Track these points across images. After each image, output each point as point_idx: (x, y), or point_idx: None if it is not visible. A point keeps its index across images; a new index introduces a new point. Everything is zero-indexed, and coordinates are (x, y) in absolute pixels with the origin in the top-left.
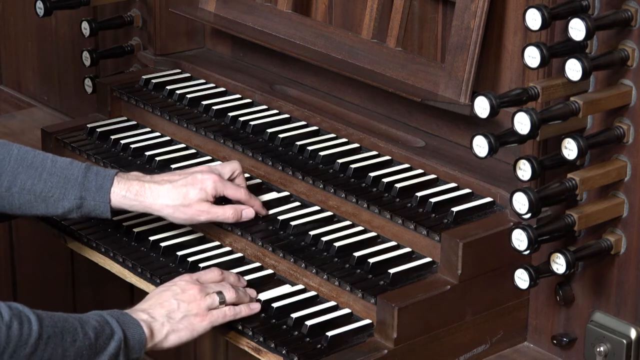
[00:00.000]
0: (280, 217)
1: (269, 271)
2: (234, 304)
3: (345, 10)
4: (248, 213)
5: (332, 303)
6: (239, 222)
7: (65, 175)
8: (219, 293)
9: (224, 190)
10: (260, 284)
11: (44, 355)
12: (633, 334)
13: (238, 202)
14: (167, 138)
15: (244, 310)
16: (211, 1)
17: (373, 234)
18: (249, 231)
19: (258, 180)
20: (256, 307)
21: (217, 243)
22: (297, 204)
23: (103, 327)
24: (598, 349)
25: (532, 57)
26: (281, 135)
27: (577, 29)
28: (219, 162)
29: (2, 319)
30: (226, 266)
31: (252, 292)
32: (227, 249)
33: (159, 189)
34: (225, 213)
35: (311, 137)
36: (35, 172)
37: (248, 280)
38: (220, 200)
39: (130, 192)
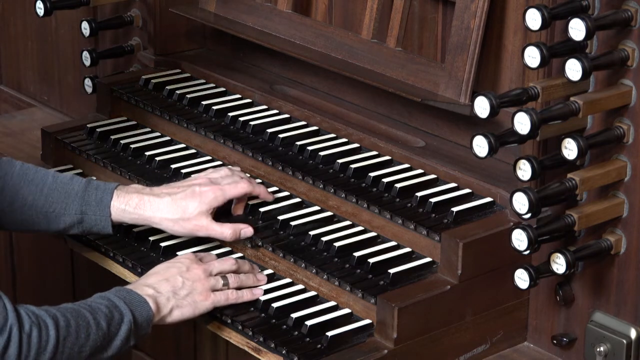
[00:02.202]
0: (280, 217)
1: (269, 271)
2: (237, 288)
3: (345, 10)
4: (247, 232)
5: (332, 303)
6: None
7: (66, 190)
8: (223, 277)
9: (225, 196)
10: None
11: (63, 357)
12: (633, 334)
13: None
14: (167, 138)
15: (246, 295)
16: (211, 1)
17: (373, 234)
18: None
19: (258, 180)
20: (259, 293)
21: (217, 243)
22: (297, 201)
23: (112, 312)
24: (598, 349)
25: (532, 57)
26: (281, 135)
27: (577, 29)
28: (219, 162)
29: (23, 328)
30: None
31: (261, 277)
32: (227, 249)
33: (159, 202)
34: (224, 233)
35: (311, 137)
36: (36, 188)
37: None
38: (220, 211)
39: (130, 206)
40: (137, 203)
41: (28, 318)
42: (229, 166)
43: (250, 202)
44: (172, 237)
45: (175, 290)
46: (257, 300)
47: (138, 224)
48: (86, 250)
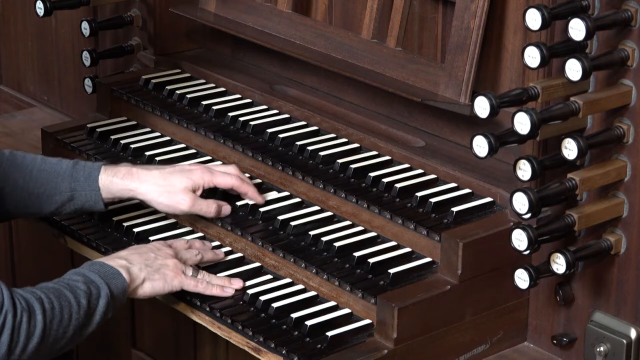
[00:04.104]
0: (280, 217)
1: (269, 276)
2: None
3: (345, 10)
4: (226, 210)
5: (332, 303)
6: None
7: (54, 170)
8: (194, 269)
9: (213, 179)
10: (261, 284)
11: (49, 340)
12: (633, 334)
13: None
14: (167, 138)
15: (215, 290)
16: (211, 1)
17: (373, 234)
18: (249, 231)
19: (258, 180)
20: (229, 292)
21: (217, 243)
22: (297, 201)
23: (90, 288)
24: (598, 349)
25: (532, 57)
26: (281, 135)
27: (577, 29)
28: (219, 162)
29: (15, 317)
30: (226, 266)
31: (236, 282)
32: (227, 249)
33: (147, 174)
34: (210, 207)
35: (311, 137)
36: (25, 170)
37: (247, 279)
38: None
39: (117, 177)
40: (125, 174)
41: (19, 304)
42: (234, 165)
43: (250, 202)
44: (172, 237)
45: (148, 263)
46: (257, 299)
47: (126, 197)
48: (86, 250)
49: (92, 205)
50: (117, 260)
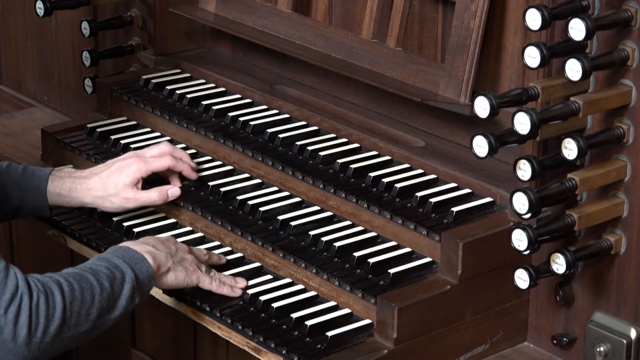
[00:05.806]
0: (280, 217)
1: (269, 277)
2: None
3: (345, 10)
4: (174, 192)
5: (332, 303)
6: (167, 201)
7: (1, 180)
8: (207, 267)
9: (149, 168)
10: (262, 284)
11: (71, 322)
12: (633, 334)
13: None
14: (167, 138)
15: (225, 289)
16: (211, 1)
17: (373, 234)
18: (249, 231)
19: (258, 180)
20: (238, 292)
21: (217, 243)
22: (297, 201)
23: (114, 272)
24: (598, 349)
25: (532, 57)
26: (281, 135)
27: (577, 29)
28: (219, 162)
29: (32, 298)
30: (226, 266)
31: (241, 281)
32: (227, 248)
33: (87, 183)
34: (151, 196)
35: (311, 137)
36: None
37: (247, 279)
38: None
39: (64, 190)
40: (70, 187)
41: (35, 286)
42: (165, 142)
43: (251, 202)
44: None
45: (171, 252)
46: (257, 300)
47: (74, 206)
48: (86, 250)
49: (38, 213)
50: (143, 246)
